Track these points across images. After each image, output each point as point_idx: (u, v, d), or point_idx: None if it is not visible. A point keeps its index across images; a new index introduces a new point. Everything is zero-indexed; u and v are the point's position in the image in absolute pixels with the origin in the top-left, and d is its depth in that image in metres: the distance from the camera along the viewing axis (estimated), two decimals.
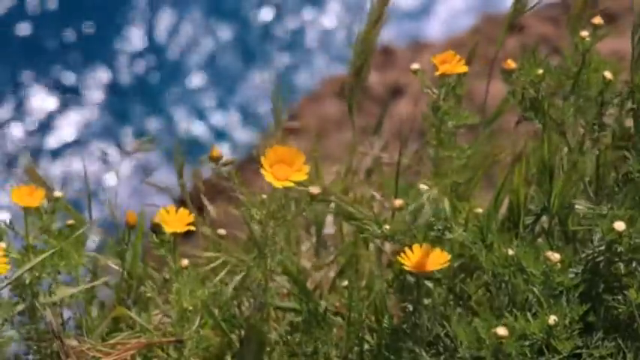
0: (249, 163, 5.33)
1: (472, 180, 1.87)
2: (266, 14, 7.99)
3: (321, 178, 2.12)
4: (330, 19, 7.89)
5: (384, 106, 4.53)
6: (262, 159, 1.56)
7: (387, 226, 1.66)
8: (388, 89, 5.49)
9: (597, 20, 1.72)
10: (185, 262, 1.67)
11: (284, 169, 1.57)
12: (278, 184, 1.57)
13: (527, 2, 2.06)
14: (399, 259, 1.57)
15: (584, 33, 1.71)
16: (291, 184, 1.57)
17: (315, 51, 7.77)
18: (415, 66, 1.78)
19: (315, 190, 1.65)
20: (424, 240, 1.60)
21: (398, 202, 1.68)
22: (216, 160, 1.73)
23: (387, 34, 7.08)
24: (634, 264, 1.60)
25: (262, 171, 1.56)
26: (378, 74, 5.60)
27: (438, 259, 1.57)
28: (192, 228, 1.65)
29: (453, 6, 7.89)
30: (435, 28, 7.69)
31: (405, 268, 1.57)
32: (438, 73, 1.71)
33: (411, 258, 1.58)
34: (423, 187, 1.63)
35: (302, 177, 1.58)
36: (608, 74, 1.68)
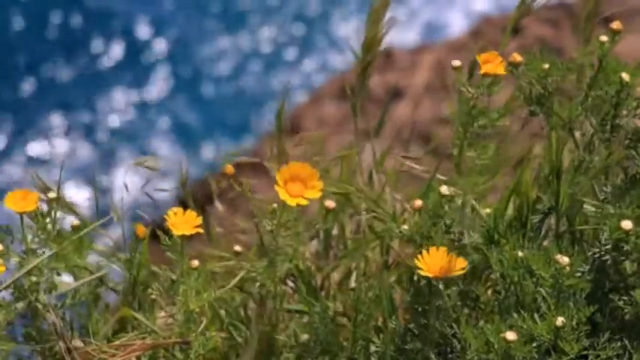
0: (250, 164, 5.33)
1: (490, 182, 1.87)
2: (268, 15, 7.99)
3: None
4: (332, 20, 7.90)
5: (385, 107, 4.53)
6: (277, 175, 1.58)
7: (406, 226, 1.65)
8: (388, 91, 5.49)
9: (616, 25, 1.73)
10: (195, 262, 1.68)
11: (298, 186, 1.59)
12: (292, 202, 1.58)
13: (531, 4, 2.06)
14: (416, 262, 1.57)
15: (604, 37, 1.71)
16: (305, 202, 1.58)
17: (316, 52, 7.77)
18: (457, 63, 1.77)
19: (330, 203, 1.67)
20: (441, 243, 1.59)
21: (417, 202, 1.67)
22: (229, 177, 1.76)
23: (387, 37, 7.08)
24: None
25: (276, 187, 1.58)
26: (378, 76, 5.60)
27: (456, 265, 1.57)
28: (200, 230, 1.66)
29: (451, 8, 7.89)
30: (434, 31, 7.69)
31: (422, 273, 1.56)
32: (480, 72, 1.71)
33: (427, 261, 1.57)
34: (444, 189, 1.62)
35: (316, 195, 1.59)
36: (625, 76, 1.69)
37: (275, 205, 1.65)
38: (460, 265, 1.57)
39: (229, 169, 1.76)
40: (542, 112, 1.71)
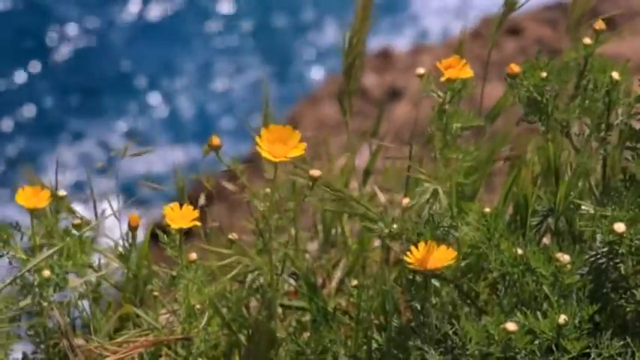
0: (247, 164, 5.34)
1: (476, 181, 1.87)
2: (266, 15, 8.00)
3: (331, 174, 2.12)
4: (330, 21, 7.90)
5: (381, 108, 4.54)
6: (258, 138, 1.56)
7: (395, 225, 1.65)
8: (386, 92, 5.49)
9: (599, 25, 1.73)
10: (194, 255, 1.68)
11: (280, 147, 1.58)
12: (275, 160, 1.56)
13: (517, 1, 2.06)
14: (405, 257, 1.57)
15: (587, 40, 1.71)
16: (288, 160, 1.57)
17: (315, 53, 7.78)
18: (420, 70, 1.77)
19: (315, 172, 1.65)
20: (430, 238, 1.59)
21: (405, 201, 1.68)
22: (215, 149, 1.71)
23: (386, 37, 7.09)
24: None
25: (258, 149, 1.56)
26: (376, 77, 5.61)
27: (444, 256, 1.57)
28: (198, 224, 1.66)
29: (451, 9, 7.90)
30: (433, 31, 7.70)
31: (410, 266, 1.56)
32: (443, 79, 1.71)
33: (416, 256, 1.57)
34: (426, 184, 1.63)
35: (299, 152, 1.58)
36: (615, 75, 1.68)
37: (268, 190, 1.64)
38: (450, 256, 1.56)
39: (215, 140, 1.72)
40: (540, 118, 1.70)
